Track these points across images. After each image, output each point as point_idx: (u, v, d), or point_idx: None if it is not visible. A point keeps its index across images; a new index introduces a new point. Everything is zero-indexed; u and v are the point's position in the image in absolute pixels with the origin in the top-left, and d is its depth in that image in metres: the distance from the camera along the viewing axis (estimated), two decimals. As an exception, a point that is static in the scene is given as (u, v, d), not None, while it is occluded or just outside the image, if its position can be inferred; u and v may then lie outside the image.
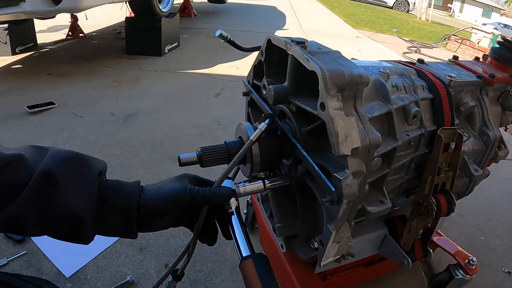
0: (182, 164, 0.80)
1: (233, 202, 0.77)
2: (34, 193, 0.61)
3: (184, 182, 0.75)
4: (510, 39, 1.30)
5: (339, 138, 0.65)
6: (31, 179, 0.62)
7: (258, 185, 0.82)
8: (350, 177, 0.68)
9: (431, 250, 1.15)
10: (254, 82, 1.04)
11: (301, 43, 0.77)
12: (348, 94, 0.70)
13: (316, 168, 0.72)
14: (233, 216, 0.77)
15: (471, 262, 1.39)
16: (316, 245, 0.91)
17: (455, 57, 1.28)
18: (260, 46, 0.98)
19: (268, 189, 0.87)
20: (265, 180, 0.84)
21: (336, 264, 0.93)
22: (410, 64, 1.14)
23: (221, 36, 1.00)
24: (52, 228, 0.65)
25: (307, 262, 1.12)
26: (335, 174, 0.69)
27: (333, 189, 0.69)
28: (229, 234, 0.77)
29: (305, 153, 0.75)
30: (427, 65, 1.15)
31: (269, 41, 0.90)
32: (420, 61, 1.17)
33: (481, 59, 1.36)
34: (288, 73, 0.83)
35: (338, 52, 0.81)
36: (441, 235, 1.52)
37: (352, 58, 1.15)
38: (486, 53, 1.36)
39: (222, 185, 0.77)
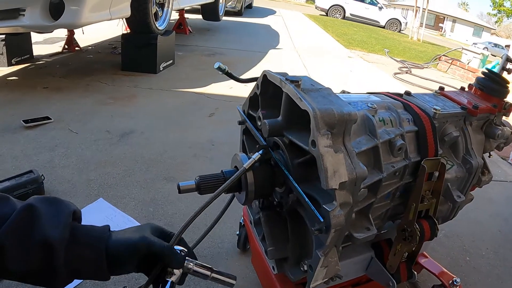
0: (181, 191, 0.86)
1: (177, 271, 0.80)
2: (16, 222, 0.69)
3: (145, 232, 0.81)
4: (494, 71, 1.38)
5: (328, 173, 0.71)
6: (15, 211, 0.71)
7: (204, 271, 0.83)
8: (338, 208, 0.74)
9: (415, 272, 1.20)
10: (249, 112, 1.09)
11: (295, 81, 0.82)
12: (338, 131, 0.76)
13: (307, 200, 0.77)
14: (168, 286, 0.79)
15: (455, 282, 1.43)
16: (306, 267, 0.96)
17: (441, 88, 1.35)
18: (256, 78, 1.04)
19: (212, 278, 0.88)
20: (213, 273, 0.85)
21: (325, 285, 0.99)
22: (397, 96, 1.20)
23: (219, 68, 1.06)
24: (30, 258, 0.70)
25: (296, 283, 1.17)
26: (323, 205, 0.74)
27: (322, 220, 0.74)
28: None
29: (296, 185, 0.81)
30: (414, 97, 1.22)
31: (264, 76, 0.95)
32: (407, 93, 1.23)
33: (466, 89, 1.43)
34: (282, 109, 0.88)
35: (329, 89, 0.87)
36: (426, 257, 1.57)
37: (343, 91, 1.22)
38: (472, 82, 1.43)
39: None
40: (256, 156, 0.88)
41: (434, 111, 1.11)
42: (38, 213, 0.72)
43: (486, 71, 1.38)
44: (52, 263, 0.70)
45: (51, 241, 0.70)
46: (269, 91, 0.98)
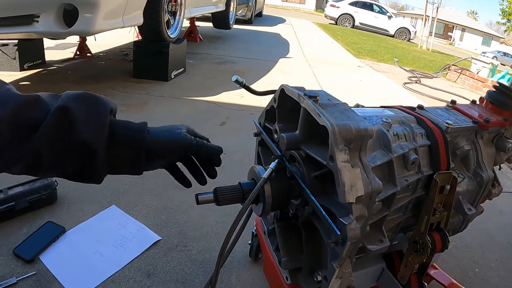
0: (199, 203, 0.88)
1: None
2: (51, 126, 0.69)
3: (183, 130, 0.88)
4: (505, 84, 1.39)
5: (345, 188, 0.74)
6: (49, 115, 0.69)
7: None
8: (354, 221, 0.76)
9: (426, 284, 1.22)
10: (265, 124, 1.12)
11: (313, 97, 0.85)
12: (354, 147, 0.78)
13: (324, 213, 0.80)
14: None
15: (464, 294, 1.45)
16: (319, 278, 0.98)
17: (453, 102, 1.37)
18: (273, 91, 1.06)
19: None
20: None
21: (338, 296, 1.00)
22: (410, 110, 1.22)
23: (237, 81, 1.08)
24: (67, 161, 0.71)
25: (310, 293, 1.19)
26: (340, 219, 0.76)
27: (339, 233, 0.76)
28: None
29: (313, 198, 0.83)
30: (426, 111, 1.24)
31: (282, 90, 0.98)
32: (420, 107, 1.25)
33: (478, 102, 1.45)
34: (300, 123, 0.91)
35: (345, 104, 0.89)
36: (436, 268, 1.58)
37: (357, 105, 1.24)
38: (483, 96, 1.45)
39: None
40: (273, 165, 0.91)
41: (447, 125, 1.13)
42: (74, 116, 0.70)
43: (497, 84, 1.40)
44: (92, 164, 0.73)
45: (91, 144, 0.71)
46: (286, 104, 1.00)
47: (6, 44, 3.95)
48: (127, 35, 6.24)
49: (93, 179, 0.76)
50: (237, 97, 4.09)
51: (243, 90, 1.08)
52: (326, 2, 25.76)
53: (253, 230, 1.61)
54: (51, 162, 0.70)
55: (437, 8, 16.91)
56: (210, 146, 0.93)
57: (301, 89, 0.92)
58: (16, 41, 3.95)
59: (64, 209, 1.86)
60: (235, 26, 9.85)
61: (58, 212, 1.84)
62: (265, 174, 0.89)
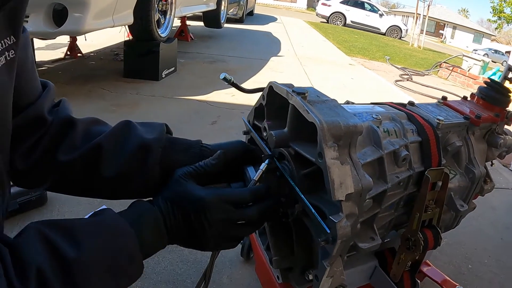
0: None
1: None
2: (115, 129, 0.84)
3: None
4: (496, 80, 1.39)
5: (334, 185, 0.72)
6: (114, 126, 0.85)
7: None
8: (344, 219, 0.74)
9: (418, 281, 1.21)
10: (254, 122, 1.10)
11: (301, 93, 0.83)
12: (344, 143, 0.77)
13: (314, 211, 0.78)
14: None
15: (457, 291, 1.44)
16: (310, 277, 0.97)
17: (444, 98, 1.36)
18: (262, 88, 1.04)
19: None
20: None
21: (330, 295, 0.99)
22: (401, 106, 1.21)
23: (225, 79, 1.06)
24: (125, 158, 0.80)
25: (301, 292, 1.17)
26: (330, 217, 0.75)
27: (328, 231, 0.75)
28: None
29: (303, 196, 0.81)
30: (417, 107, 1.23)
31: (270, 87, 0.96)
32: (411, 103, 1.24)
33: (469, 98, 1.44)
34: (288, 120, 0.89)
35: (335, 101, 0.88)
36: (429, 265, 1.57)
37: (347, 101, 1.22)
38: (474, 92, 1.44)
39: None
40: (263, 166, 0.89)
41: (438, 121, 1.12)
42: (135, 125, 0.85)
43: (488, 80, 1.39)
44: (147, 161, 0.81)
45: (148, 141, 0.81)
46: (275, 102, 0.98)
47: (-5, 45, 3.91)
48: (118, 35, 6.20)
49: (146, 185, 0.82)
50: (228, 96, 4.08)
51: (234, 90, 1.07)
52: (318, 1, 25.76)
53: (244, 230, 1.60)
54: (111, 157, 0.80)
55: (428, 6, 16.95)
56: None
57: (290, 85, 0.91)
58: (6, 41, 3.91)
59: (54, 210, 1.85)
60: (226, 25, 9.81)
61: (48, 214, 1.82)
62: (255, 176, 0.88)
